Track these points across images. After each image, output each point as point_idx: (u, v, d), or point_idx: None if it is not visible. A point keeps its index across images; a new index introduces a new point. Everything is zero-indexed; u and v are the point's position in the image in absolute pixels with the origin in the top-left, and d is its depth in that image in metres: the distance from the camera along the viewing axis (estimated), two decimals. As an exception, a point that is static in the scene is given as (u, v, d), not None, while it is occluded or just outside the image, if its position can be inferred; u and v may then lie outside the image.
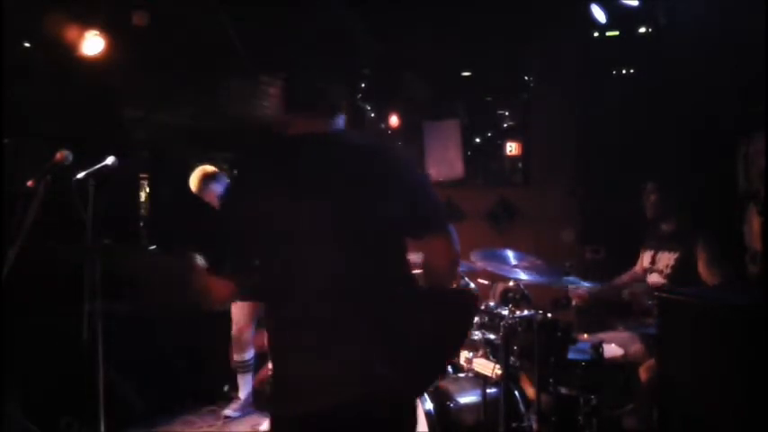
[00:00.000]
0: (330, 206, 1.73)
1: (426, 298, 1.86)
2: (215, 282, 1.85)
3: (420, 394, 1.82)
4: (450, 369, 3.54)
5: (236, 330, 4.18)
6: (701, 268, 3.32)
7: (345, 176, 1.74)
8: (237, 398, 4.32)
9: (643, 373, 3.21)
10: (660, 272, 3.51)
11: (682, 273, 3.38)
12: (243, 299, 4.04)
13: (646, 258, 3.64)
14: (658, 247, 3.58)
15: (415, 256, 1.89)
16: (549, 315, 3.04)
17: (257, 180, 1.82)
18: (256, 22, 4.42)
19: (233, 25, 4.47)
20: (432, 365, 1.87)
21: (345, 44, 1.85)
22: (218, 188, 3.92)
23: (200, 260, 2.20)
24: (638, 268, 3.73)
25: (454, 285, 1.87)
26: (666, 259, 3.50)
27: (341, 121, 1.84)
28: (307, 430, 1.73)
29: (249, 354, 4.22)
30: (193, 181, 4.03)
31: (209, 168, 4.09)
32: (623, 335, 3.48)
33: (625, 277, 3.78)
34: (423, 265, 1.86)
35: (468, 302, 2.07)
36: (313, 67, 1.81)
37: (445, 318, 1.83)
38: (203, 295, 1.87)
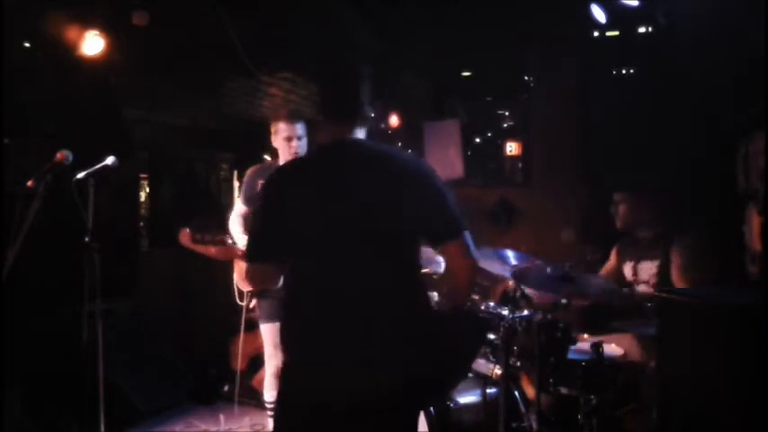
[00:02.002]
0: (357, 209, 1.86)
1: (446, 314, 2.03)
2: (250, 268, 2.01)
3: (427, 401, 2.01)
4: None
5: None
6: (674, 275, 3.28)
7: (373, 181, 1.89)
8: None
9: (643, 374, 3.20)
10: (646, 282, 3.43)
11: (665, 280, 3.32)
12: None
13: (627, 270, 3.56)
14: (639, 257, 3.50)
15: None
16: (549, 315, 3.04)
17: (291, 182, 1.96)
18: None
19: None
20: (443, 375, 1.99)
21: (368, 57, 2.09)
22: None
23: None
24: (608, 266, 3.68)
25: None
26: (648, 269, 3.43)
27: (364, 131, 2.02)
28: (317, 419, 1.82)
29: None
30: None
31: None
32: (623, 335, 3.47)
33: (602, 272, 3.69)
34: (443, 271, 1.97)
35: (480, 328, 2.21)
36: (356, 79, 2.00)
37: (458, 337, 2.02)
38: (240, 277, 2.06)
